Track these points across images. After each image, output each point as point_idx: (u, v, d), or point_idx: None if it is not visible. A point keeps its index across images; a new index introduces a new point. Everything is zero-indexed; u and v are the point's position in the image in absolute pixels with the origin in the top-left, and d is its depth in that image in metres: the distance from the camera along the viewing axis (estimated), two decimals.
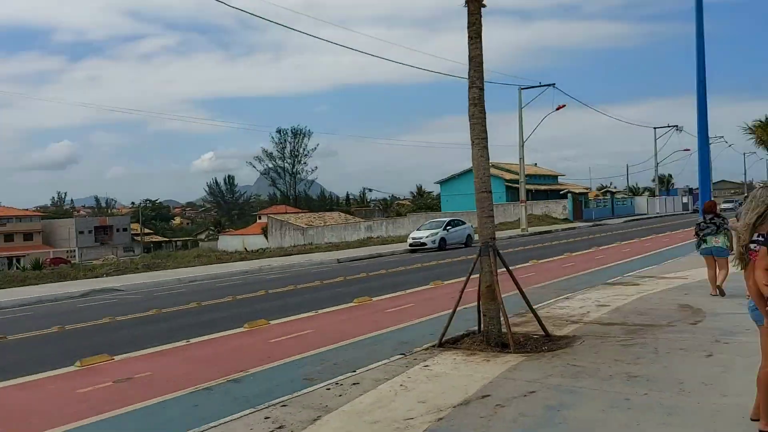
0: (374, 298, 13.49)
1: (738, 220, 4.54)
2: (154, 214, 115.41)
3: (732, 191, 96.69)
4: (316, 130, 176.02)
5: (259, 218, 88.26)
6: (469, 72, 8.21)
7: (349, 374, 6.76)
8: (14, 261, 60.58)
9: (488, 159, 8.32)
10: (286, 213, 77.82)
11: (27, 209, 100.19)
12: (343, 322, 10.95)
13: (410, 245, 30.32)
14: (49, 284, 22.97)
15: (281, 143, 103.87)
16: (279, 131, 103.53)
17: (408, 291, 14.54)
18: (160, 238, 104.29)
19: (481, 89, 8.24)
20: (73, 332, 12.07)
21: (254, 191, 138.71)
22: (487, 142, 8.23)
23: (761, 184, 4.74)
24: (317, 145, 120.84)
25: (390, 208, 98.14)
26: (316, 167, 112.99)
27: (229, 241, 72.41)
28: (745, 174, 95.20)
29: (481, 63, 8.22)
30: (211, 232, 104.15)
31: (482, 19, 8.24)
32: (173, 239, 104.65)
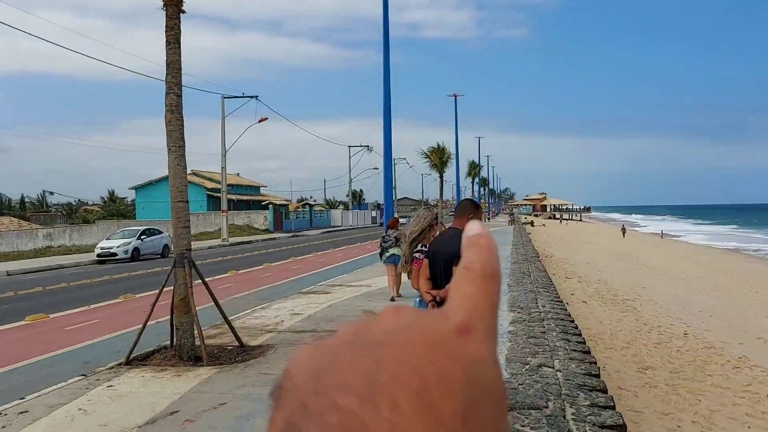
0: (52, 315, 12.11)
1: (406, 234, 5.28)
2: None
3: (412, 207, 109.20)
4: None
5: None
6: (166, 77, 7.94)
7: (17, 402, 5.97)
8: None
9: (186, 167, 8.14)
10: None
11: None
12: (10, 344, 9.61)
13: (98, 255, 27.87)
14: None
15: None
16: None
17: (93, 306, 13.37)
18: None
19: (179, 96, 8.03)
20: None
21: None
22: (184, 150, 8.05)
23: (425, 205, 5.58)
24: None
25: (76, 214, 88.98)
26: None
27: None
28: (422, 193, 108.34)
29: (180, 69, 8.02)
30: None
31: (183, 24, 8.06)
32: None
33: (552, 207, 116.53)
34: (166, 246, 29.83)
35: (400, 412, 0.29)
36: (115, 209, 72.77)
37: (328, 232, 55.65)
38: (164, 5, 7.83)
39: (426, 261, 4.48)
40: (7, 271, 23.37)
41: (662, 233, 63.34)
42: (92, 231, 51.17)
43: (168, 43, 7.86)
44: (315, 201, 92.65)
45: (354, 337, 0.33)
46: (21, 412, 5.64)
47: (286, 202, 76.63)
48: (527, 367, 6.38)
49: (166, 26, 7.86)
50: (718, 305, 15.94)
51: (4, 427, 5.27)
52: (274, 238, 44.85)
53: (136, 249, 28.06)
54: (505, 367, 6.38)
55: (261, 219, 57.03)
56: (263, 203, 64.24)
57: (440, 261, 4.25)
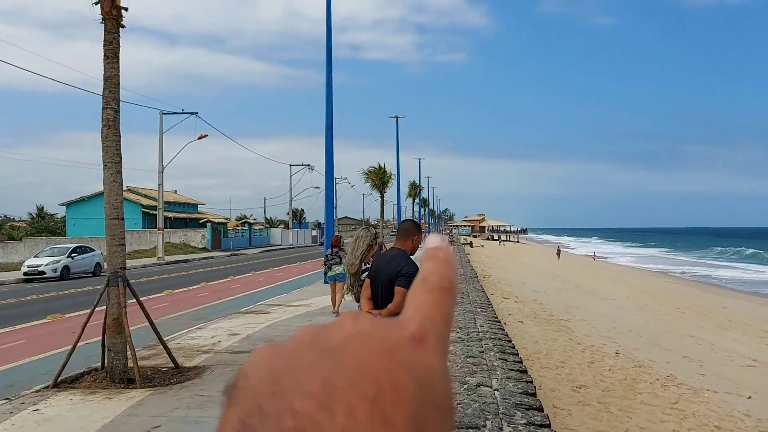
0: None
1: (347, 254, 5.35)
2: None
3: (353, 227, 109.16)
4: None
5: None
6: (103, 92, 7.77)
7: None
8: None
9: (122, 184, 7.96)
10: None
11: None
12: None
13: (25, 274, 26.64)
14: None
15: None
16: None
17: (18, 327, 12.78)
18: None
19: (117, 111, 7.86)
20: None
21: None
22: (121, 166, 7.87)
23: (365, 225, 5.68)
24: None
25: (1, 230, 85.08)
26: None
27: None
28: (363, 212, 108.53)
29: (118, 84, 7.86)
30: None
31: (121, 38, 7.91)
32: None
33: (490, 228, 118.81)
34: (98, 264, 28.81)
35: (355, 419, 0.30)
36: (44, 226, 69.89)
37: (267, 251, 54.97)
38: (103, 19, 7.67)
39: (368, 281, 4.51)
40: None
41: (594, 255, 65.40)
42: (19, 248, 48.96)
43: (106, 57, 7.70)
44: (255, 219, 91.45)
45: (313, 341, 0.35)
46: None
47: (225, 221, 75.31)
48: (466, 386, 6.47)
49: (105, 40, 7.70)
50: (645, 325, 16.54)
51: None
52: (212, 257, 43.99)
53: (65, 267, 26.99)
54: None
55: (198, 237, 55.86)
56: (201, 221, 62.99)
57: (381, 281, 4.29)
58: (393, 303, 4.16)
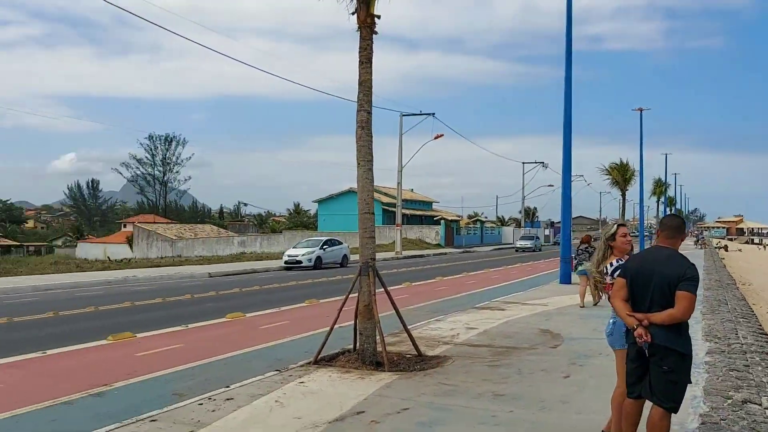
0: (248, 315, 13.24)
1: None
2: (5, 215, 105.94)
3: (588, 227, 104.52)
4: (190, 138, 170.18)
5: (124, 227, 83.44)
6: (358, 95, 8.39)
7: (223, 390, 6.61)
8: None
9: (372, 181, 8.52)
10: (155, 223, 74.25)
11: None
12: (214, 338, 10.65)
13: (285, 262, 30.03)
14: None
15: (151, 150, 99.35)
16: (150, 137, 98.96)
17: (283, 308, 14.42)
18: (9, 242, 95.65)
19: (369, 113, 8.44)
20: None
21: (120, 198, 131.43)
22: (372, 164, 8.44)
23: (613, 222, 5.45)
24: (192, 154, 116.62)
25: (265, 224, 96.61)
26: (189, 177, 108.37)
27: (89, 249, 67.76)
28: (600, 211, 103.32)
29: (371, 87, 8.44)
30: (68, 239, 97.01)
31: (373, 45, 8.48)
32: (25, 243, 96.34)
33: (750, 231, 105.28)
34: (345, 256, 31.38)
35: None
36: (299, 220, 77.70)
37: (499, 248, 54.98)
38: (359, 27, 8.31)
39: (621, 280, 4.27)
40: (209, 273, 25.96)
41: None
42: (279, 240, 55.19)
43: (361, 62, 8.32)
44: (486, 217, 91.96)
45: None
46: (227, 399, 6.25)
47: (458, 218, 76.93)
48: (729, 401, 5.84)
49: (360, 47, 8.32)
50: None
51: (213, 411, 5.86)
52: (445, 253, 45.24)
53: (318, 258, 29.82)
54: (702, 400, 5.90)
55: (432, 234, 57.80)
56: (435, 218, 65.11)
57: (655, 282, 3.99)
58: (678, 309, 3.86)
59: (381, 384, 6.82)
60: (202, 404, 6.06)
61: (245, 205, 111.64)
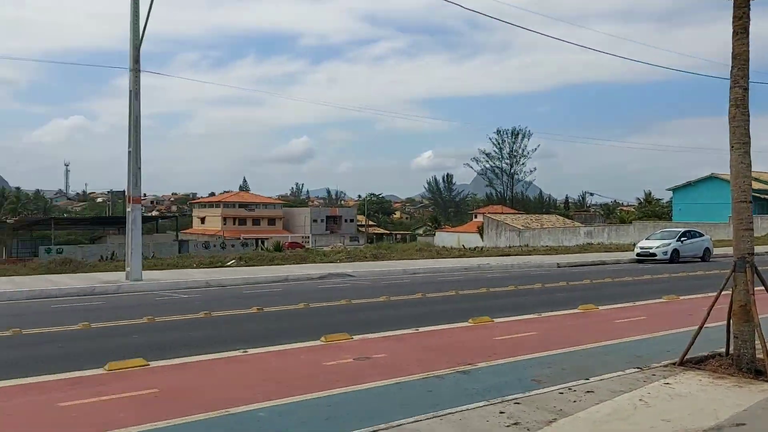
0: (600, 307, 12.93)
1: None
2: (378, 207, 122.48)
3: None
4: (536, 130, 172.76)
5: (475, 217, 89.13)
6: (731, 70, 7.51)
7: (582, 381, 6.61)
8: (259, 242, 68.16)
9: (750, 165, 7.54)
10: (503, 213, 77.52)
11: (270, 197, 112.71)
12: (568, 328, 10.69)
13: (637, 255, 28.48)
14: (291, 265, 25.49)
15: (499, 143, 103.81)
16: (498, 131, 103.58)
17: (638, 303, 13.71)
18: (381, 230, 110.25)
19: (746, 89, 7.49)
20: (316, 310, 13.32)
21: (471, 190, 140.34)
22: (749, 146, 7.48)
23: None
24: (537, 146, 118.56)
25: (612, 214, 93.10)
26: (535, 168, 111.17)
27: (445, 238, 74.14)
28: None
29: (747, 60, 7.48)
30: (428, 228, 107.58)
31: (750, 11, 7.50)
32: (393, 232, 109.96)
33: None
34: (707, 249, 28.49)
35: None
36: (650, 210, 72.85)
37: None
38: None
39: None
40: (558, 264, 26.07)
41: None
42: (628, 231, 52.59)
43: (735, 33, 7.42)
44: None
45: None
46: (587, 392, 6.22)
47: None
48: None
49: (734, 16, 7.44)
50: None
51: (575, 401, 5.90)
52: None
53: (675, 251, 27.63)
54: None
55: None
56: None
57: None
58: None
59: (764, 395, 6.03)
60: (562, 393, 6.15)
61: (591, 194, 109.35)
